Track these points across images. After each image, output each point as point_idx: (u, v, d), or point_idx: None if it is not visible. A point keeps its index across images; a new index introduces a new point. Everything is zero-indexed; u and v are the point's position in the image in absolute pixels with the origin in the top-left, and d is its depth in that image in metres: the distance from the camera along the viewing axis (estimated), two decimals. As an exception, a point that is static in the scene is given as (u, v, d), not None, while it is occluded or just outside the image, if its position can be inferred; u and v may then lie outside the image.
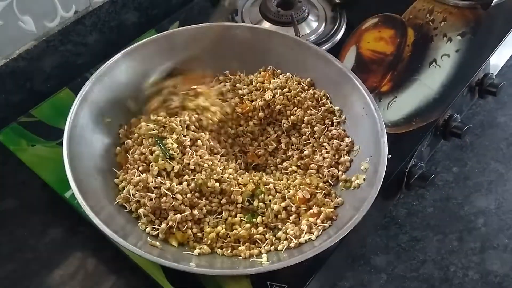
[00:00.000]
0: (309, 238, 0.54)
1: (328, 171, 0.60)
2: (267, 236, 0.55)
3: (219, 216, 0.57)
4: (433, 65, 0.76)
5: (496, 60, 0.83)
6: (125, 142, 0.61)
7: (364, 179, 0.57)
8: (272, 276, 0.54)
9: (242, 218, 0.56)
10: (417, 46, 0.79)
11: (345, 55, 0.77)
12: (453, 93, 0.72)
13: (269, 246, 0.54)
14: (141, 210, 0.55)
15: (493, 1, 0.83)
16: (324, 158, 0.61)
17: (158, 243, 0.54)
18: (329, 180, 0.60)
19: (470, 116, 0.85)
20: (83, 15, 0.74)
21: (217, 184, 0.57)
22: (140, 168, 0.59)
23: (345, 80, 0.63)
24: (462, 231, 0.72)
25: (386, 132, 0.58)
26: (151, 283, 0.55)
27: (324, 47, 0.77)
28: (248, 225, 0.56)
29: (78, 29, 0.74)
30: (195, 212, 0.56)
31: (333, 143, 0.62)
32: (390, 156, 0.56)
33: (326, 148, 0.62)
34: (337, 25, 0.81)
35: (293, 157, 0.63)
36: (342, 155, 0.61)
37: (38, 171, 0.62)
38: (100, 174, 0.58)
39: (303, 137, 0.63)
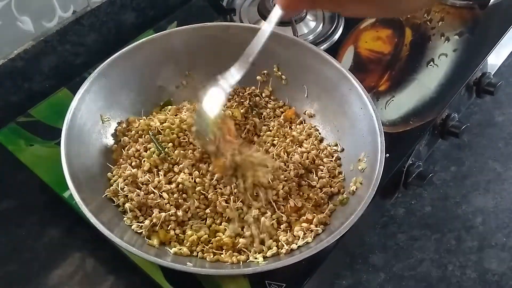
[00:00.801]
0: (306, 242, 0.54)
1: (323, 192, 0.59)
2: (255, 244, 0.55)
3: (203, 221, 0.57)
4: (430, 65, 0.76)
5: (494, 60, 0.83)
6: (122, 139, 0.62)
7: (361, 183, 0.57)
8: (270, 275, 0.54)
9: (226, 227, 0.56)
10: (415, 46, 0.79)
11: (343, 55, 0.77)
12: (450, 93, 0.73)
13: (257, 253, 0.54)
14: (127, 205, 0.56)
15: (491, 1, 0.83)
16: (320, 177, 0.60)
17: (156, 243, 0.54)
18: (322, 196, 0.59)
19: (467, 116, 0.85)
20: (81, 15, 0.74)
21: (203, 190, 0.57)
22: (133, 164, 0.59)
23: (343, 80, 0.63)
24: (460, 230, 0.72)
25: (384, 132, 0.58)
26: (150, 282, 0.55)
27: (322, 47, 0.77)
28: (233, 234, 0.55)
29: (76, 29, 0.74)
30: (179, 213, 0.56)
31: (328, 167, 0.61)
32: (388, 155, 0.56)
33: (321, 170, 0.61)
34: (335, 25, 0.81)
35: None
36: (337, 173, 0.61)
37: (37, 171, 0.62)
38: (98, 174, 0.58)
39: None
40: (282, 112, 0.68)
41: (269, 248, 0.54)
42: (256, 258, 0.53)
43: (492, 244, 0.71)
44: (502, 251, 0.70)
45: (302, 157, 0.61)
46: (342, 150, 0.63)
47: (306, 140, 0.64)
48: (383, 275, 0.68)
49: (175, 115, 0.64)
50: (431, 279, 0.68)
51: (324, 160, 0.62)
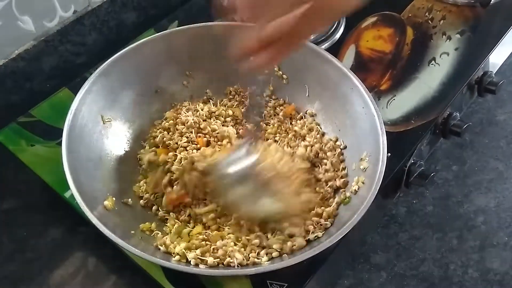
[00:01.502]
0: (316, 236, 0.54)
1: (329, 186, 0.60)
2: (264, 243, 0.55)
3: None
4: (432, 64, 0.76)
5: (495, 58, 0.83)
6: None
7: (363, 182, 0.57)
8: (272, 275, 0.54)
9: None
10: (416, 45, 0.79)
11: (344, 54, 0.77)
12: (452, 92, 0.72)
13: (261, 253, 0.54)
14: None
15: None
16: (326, 171, 0.61)
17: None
18: (328, 190, 0.59)
19: (469, 114, 0.85)
20: (82, 14, 0.74)
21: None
22: None
23: (344, 79, 0.63)
24: (461, 229, 0.72)
25: (386, 131, 0.58)
26: (151, 282, 0.55)
27: (323, 46, 0.77)
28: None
29: (77, 29, 0.74)
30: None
31: (332, 161, 0.62)
32: (389, 154, 0.56)
33: (325, 164, 0.62)
34: (336, 24, 0.81)
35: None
36: (341, 168, 0.61)
37: (38, 171, 0.63)
38: (99, 174, 0.58)
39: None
40: (282, 110, 0.68)
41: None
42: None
43: (494, 244, 0.71)
44: (504, 250, 0.70)
45: (306, 150, 0.62)
46: (345, 148, 0.63)
47: (308, 134, 0.64)
48: (385, 274, 0.68)
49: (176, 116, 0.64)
50: (433, 278, 0.68)
51: (328, 154, 0.62)
